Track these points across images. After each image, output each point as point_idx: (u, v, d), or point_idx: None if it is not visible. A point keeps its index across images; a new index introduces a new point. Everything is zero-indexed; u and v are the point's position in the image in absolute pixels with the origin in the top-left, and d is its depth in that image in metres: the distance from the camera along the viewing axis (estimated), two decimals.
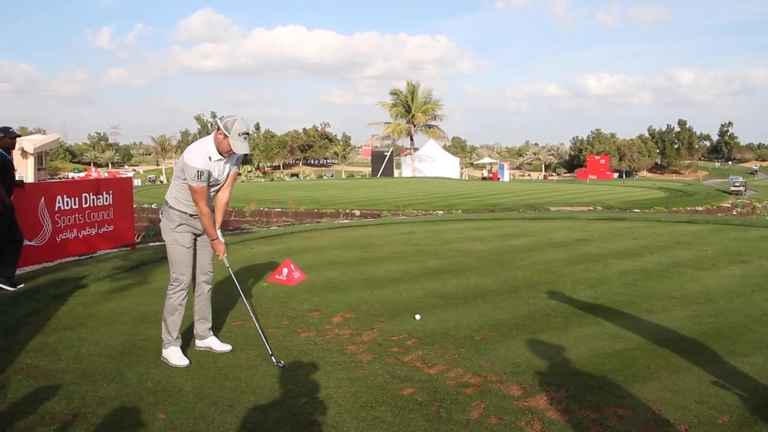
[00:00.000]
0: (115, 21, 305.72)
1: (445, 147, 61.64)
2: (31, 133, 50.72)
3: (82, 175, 49.84)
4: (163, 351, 3.77)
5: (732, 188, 32.00)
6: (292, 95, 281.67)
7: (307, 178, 62.42)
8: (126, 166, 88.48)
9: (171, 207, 3.78)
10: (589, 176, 61.92)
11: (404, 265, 6.80)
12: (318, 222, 14.00)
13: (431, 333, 4.32)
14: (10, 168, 5.77)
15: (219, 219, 3.90)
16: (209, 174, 3.68)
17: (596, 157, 69.67)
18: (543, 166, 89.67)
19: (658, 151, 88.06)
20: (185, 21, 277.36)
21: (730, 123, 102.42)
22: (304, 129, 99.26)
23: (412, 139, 57.73)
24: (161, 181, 56.24)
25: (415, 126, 56.47)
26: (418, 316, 4.68)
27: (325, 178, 61.85)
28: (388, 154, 57.16)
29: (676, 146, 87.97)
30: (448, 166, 55.34)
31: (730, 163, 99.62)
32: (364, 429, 2.89)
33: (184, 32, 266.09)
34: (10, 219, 5.69)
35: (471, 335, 4.26)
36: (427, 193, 27.59)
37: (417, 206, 19.04)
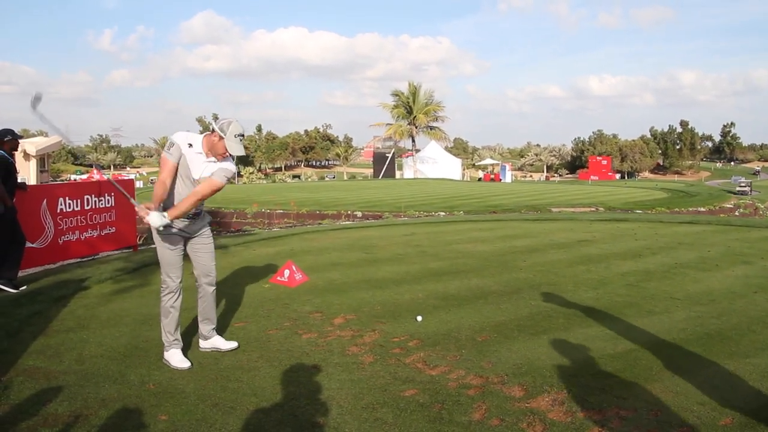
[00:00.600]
0: (117, 23, 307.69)
1: (446, 148, 61.61)
2: (34, 136, 50.84)
3: (84, 177, 49.93)
4: (165, 354, 3.78)
5: (738, 188, 32.01)
6: (293, 97, 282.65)
7: (309, 179, 62.47)
8: (128, 168, 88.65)
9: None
10: (591, 177, 61.83)
11: (406, 266, 6.79)
12: (319, 223, 14.01)
13: (433, 334, 4.31)
14: (12, 170, 5.79)
15: (182, 205, 3.62)
16: (180, 153, 3.60)
17: (598, 158, 69.56)
18: (545, 167, 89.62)
19: (660, 152, 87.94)
20: (187, 23, 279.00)
21: (732, 123, 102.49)
22: (306, 130, 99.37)
23: (413, 141, 57.72)
24: None
25: (416, 127, 56.45)
26: (419, 318, 4.67)
27: (326, 179, 61.89)
28: (390, 155, 57.12)
29: (678, 147, 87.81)
30: (450, 168, 55.27)
31: (732, 163, 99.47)
32: (365, 430, 2.89)
33: (185, 34, 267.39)
34: (12, 221, 5.70)
35: (473, 336, 4.26)
36: (428, 194, 27.57)
37: (418, 207, 19.03)
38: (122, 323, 4.60)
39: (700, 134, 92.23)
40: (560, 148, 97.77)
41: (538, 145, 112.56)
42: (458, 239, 8.97)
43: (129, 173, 67.94)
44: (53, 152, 47.73)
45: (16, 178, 5.93)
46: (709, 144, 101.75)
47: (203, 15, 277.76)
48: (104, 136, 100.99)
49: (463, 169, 65.33)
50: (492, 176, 58.37)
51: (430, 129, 57.07)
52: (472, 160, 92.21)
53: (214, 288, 4.02)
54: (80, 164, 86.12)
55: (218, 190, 3.73)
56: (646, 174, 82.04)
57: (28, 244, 6.21)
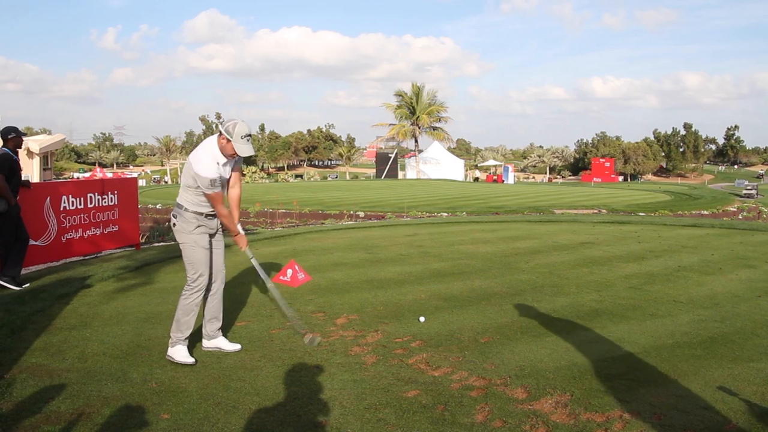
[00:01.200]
0: (121, 22, 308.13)
1: (449, 149, 61.62)
2: (37, 134, 50.99)
3: (87, 175, 50.05)
4: (169, 349, 3.79)
5: (744, 191, 31.91)
6: (297, 96, 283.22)
7: (312, 179, 62.52)
8: (131, 167, 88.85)
9: (186, 209, 3.81)
10: (594, 179, 61.73)
11: (408, 267, 6.79)
12: (322, 223, 14.01)
13: (435, 335, 4.31)
14: (16, 168, 5.80)
15: (236, 214, 4.00)
16: (218, 178, 3.75)
17: (601, 160, 69.43)
18: (548, 168, 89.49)
19: (663, 154, 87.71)
20: (190, 22, 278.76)
21: (736, 126, 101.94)
22: (309, 130, 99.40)
23: (416, 141, 57.78)
24: (165, 182, 56.43)
25: (419, 128, 56.51)
26: (422, 319, 4.67)
27: (329, 179, 61.88)
28: (393, 155, 57.13)
29: (681, 150, 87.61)
30: (453, 168, 55.25)
31: (735, 166, 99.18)
32: (368, 431, 2.89)
33: (189, 33, 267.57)
34: (16, 219, 5.72)
35: (475, 338, 4.25)
36: (431, 195, 27.58)
37: (421, 208, 19.03)
38: (125, 321, 4.61)
39: (703, 137, 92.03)
40: (563, 150, 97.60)
41: (541, 147, 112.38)
42: (461, 240, 8.96)
43: (132, 171, 68.05)
44: (56, 150, 47.85)
45: (20, 176, 5.94)
46: (713, 147, 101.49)
47: (207, 14, 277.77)
48: (107, 134, 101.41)
49: (467, 170, 65.31)
50: (495, 177, 58.35)
51: (433, 129, 57.12)
52: (474, 161, 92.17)
53: (223, 286, 4.07)
54: (83, 162, 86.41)
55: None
56: (650, 176, 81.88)
57: (32, 242, 6.22)
